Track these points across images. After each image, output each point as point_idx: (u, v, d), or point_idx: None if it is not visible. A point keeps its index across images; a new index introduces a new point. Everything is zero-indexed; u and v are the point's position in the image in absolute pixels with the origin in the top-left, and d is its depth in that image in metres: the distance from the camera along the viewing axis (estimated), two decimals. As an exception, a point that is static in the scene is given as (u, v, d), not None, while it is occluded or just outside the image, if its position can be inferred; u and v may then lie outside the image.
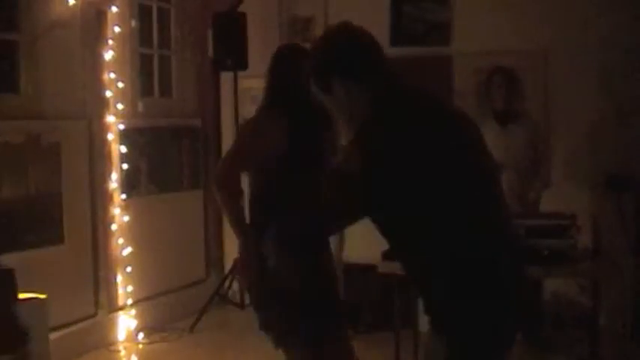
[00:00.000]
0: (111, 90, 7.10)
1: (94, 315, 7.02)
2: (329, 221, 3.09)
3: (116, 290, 7.19)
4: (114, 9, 7.16)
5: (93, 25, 6.98)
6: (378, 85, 3.12)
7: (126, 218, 7.22)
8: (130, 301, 7.25)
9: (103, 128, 7.09)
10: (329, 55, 3.16)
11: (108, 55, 7.08)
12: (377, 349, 6.70)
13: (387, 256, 5.28)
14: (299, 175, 4.20)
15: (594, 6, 7.20)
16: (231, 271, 8.14)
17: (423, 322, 6.77)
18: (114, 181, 7.18)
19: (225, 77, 8.45)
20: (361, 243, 7.58)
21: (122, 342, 7.15)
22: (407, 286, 6.14)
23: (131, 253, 7.24)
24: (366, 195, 2.94)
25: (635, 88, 7.11)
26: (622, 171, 7.07)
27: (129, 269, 7.23)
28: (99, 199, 7.05)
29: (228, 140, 8.51)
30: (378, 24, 7.88)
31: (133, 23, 7.54)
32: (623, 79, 7.14)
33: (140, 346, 7.16)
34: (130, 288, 7.25)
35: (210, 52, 8.09)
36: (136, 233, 7.29)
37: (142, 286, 7.35)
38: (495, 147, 5.59)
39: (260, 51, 8.23)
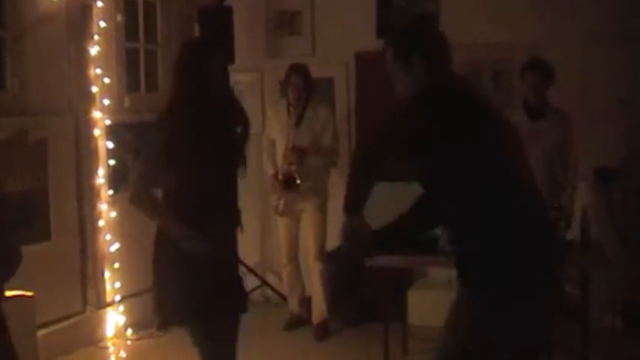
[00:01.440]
0: (97, 85, 7.07)
1: (82, 311, 7.00)
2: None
3: (104, 286, 7.17)
4: (99, 4, 7.12)
5: (78, 20, 6.95)
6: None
7: (113, 214, 7.20)
8: (118, 298, 7.24)
9: (90, 124, 7.06)
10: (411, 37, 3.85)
11: (94, 50, 7.05)
12: (365, 342, 6.71)
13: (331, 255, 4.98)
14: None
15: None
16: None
17: (413, 316, 6.79)
18: (101, 177, 7.15)
19: (212, 71, 8.42)
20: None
21: (110, 338, 7.14)
22: (396, 279, 6.17)
23: (119, 249, 7.22)
24: (426, 143, 3.47)
25: (623, 80, 7.12)
26: (610, 163, 7.08)
27: (117, 265, 7.21)
28: (86, 195, 7.03)
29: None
30: (365, 16, 7.91)
31: (119, 18, 7.51)
32: (612, 71, 7.14)
33: (129, 342, 7.14)
34: (117, 284, 7.23)
35: (197, 46, 8.05)
36: (124, 229, 7.26)
37: (130, 282, 7.32)
38: (527, 142, 5.62)
39: (247, 45, 8.24)
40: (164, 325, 4.54)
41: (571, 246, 5.40)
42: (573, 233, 5.55)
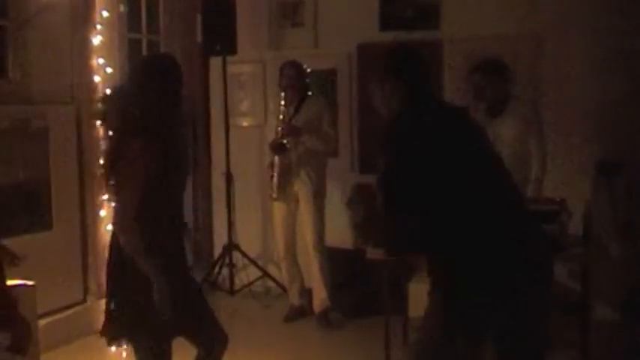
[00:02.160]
0: (99, 75, 7.06)
1: (83, 301, 7.00)
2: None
3: (105, 276, 7.15)
4: (102, -6, 7.12)
5: (81, 9, 6.94)
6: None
7: (114, 204, 7.18)
8: (118, 288, 7.22)
9: (92, 113, 7.05)
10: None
11: (96, 40, 7.03)
12: (366, 335, 6.71)
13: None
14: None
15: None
16: (220, 257, 8.13)
17: (413, 308, 6.77)
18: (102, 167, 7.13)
19: (214, 62, 8.43)
20: (343, 228, 7.65)
21: (111, 328, 7.13)
22: (396, 272, 6.17)
23: (120, 239, 7.20)
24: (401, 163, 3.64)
25: (627, 74, 7.11)
26: (613, 157, 7.07)
27: (118, 255, 7.20)
28: (87, 185, 7.02)
29: (217, 125, 8.49)
30: (367, 8, 7.90)
31: (122, 8, 7.49)
32: (615, 65, 7.13)
33: (129, 332, 7.13)
34: (118, 274, 7.21)
35: (199, 37, 8.06)
36: (125, 219, 7.24)
37: (130, 272, 7.31)
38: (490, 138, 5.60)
39: (249, 36, 8.23)
40: (115, 341, 4.41)
41: (573, 238, 5.40)
42: (574, 226, 5.55)
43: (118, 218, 4.33)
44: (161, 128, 4.14)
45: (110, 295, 4.27)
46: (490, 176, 3.76)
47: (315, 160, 7.24)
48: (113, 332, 4.24)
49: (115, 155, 4.21)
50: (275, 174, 7.21)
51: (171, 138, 4.19)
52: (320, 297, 7.30)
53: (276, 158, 7.17)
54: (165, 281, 4.07)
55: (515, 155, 6.27)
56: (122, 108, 4.29)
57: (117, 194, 4.34)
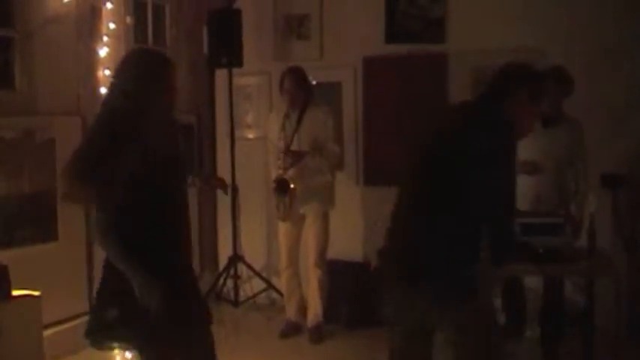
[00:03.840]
0: (105, 86, 7.06)
1: (88, 312, 7.00)
2: None
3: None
4: (109, 5, 7.13)
5: (88, 21, 6.97)
6: None
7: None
8: (123, 298, 7.23)
9: (98, 125, 7.06)
10: None
11: (103, 51, 7.06)
12: (372, 347, 6.72)
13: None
14: None
15: (590, 6, 7.21)
16: (225, 268, 8.13)
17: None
18: (108, 178, 7.14)
19: (220, 74, 8.45)
20: (346, 240, 7.65)
21: (116, 339, 7.13)
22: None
23: (125, 250, 7.20)
24: None
25: (629, 87, 7.12)
26: (617, 169, 7.08)
27: (123, 266, 7.21)
28: (93, 196, 7.02)
29: (222, 137, 8.51)
30: (373, 21, 7.92)
31: (128, 20, 7.52)
32: (617, 79, 7.14)
33: (134, 343, 7.14)
34: (123, 285, 7.22)
35: (205, 49, 8.09)
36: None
37: (135, 284, 7.31)
38: (537, 148, 5.57)
39: (255, 48, 8.26)
40: (99, 344, 4.43)
41: (577, 253, 5.40)
42: (581, 240, 5.56)
43: (100, 228, 4.29)
44: (148, 128, 4.11)
45: (108, 304, 4.26)
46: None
47: (321, 179, 7.21)
48: (107, 339, 4.25)
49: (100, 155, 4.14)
50: (278, 198, 7.17)
51: (161, 138, 4.16)
52: (314, 312, 7.27)
53: (277, 172, 7.15)
54: (158, 284, 4.07)
55: (560, 170, 6.28)
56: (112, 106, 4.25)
57: (99, 199, 4.26)
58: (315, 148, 7.07)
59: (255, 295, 8.19)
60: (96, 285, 4.38)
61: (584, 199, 6.33)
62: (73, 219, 6.81)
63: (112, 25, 7.17)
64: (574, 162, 6.43)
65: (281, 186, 7.09)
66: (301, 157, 7.03)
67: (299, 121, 7.14)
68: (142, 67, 4.26)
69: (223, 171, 8.32)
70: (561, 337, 6.35)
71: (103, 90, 7.00)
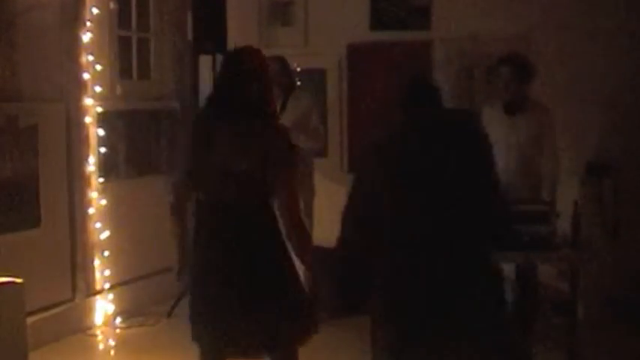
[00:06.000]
0: (89, 72, 7.04)
1: (72, 299, 6.98)
2: None
3: (93, 274, 7.14)
4: (92, -10, 7.11)
5: (71, 6, 6.92)
6: None
7: (103, 202, 7.18)
8: (107, 286, 7.22)
9: (81, 111, 7.03)
10: None
11: (86, 37, 7.02)
12: (351, 333, 6.72)
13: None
14: None
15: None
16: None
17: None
18: (91, 164, 7.12)
19: (204, 60, 8.41)
20: (331, 227, 7.63)
21: (99, 326, 7.12)
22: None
23: (109, 236, 7.19)
24: None
25: (617, 74, 7.13)
26: (601, 158, 7.09)
27: (106, 253, 7.19)
28: (76, 182, 7.00)
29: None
30: (357, 8, 7.91)
31: (112, 5, 7.47)
32: (603, 67, 7.15)
33: (117, 330, 7.12)
34: (107, 272, 7.20)
35: (190, 34, 8.05)
36: (114, 217, 7.24)
37: (119, 270, 7.30)
38: (503, 136, 5.58)
39: (239, 35, 8.21)
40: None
41: (556, 239, 5.40)
42: (563, 227, 5.56)
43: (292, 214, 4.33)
44: None
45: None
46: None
47: (303, 167, 7.15)
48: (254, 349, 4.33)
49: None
50: None
51: None
52: None
53: None
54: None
55: (524, 158, 6.26)
56: None
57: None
58: (299, 127, 7.07)
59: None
60: None
61: (555, 185, 6.31)
62: (55, 205, 6.77)
63: (95, 11, 7.12)
64: (543, 148, 6.37)
65: None
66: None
67: (282, 108, 7.13)
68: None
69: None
70: (533, 323, 6.34)
71: (86, 76, 6.97)
